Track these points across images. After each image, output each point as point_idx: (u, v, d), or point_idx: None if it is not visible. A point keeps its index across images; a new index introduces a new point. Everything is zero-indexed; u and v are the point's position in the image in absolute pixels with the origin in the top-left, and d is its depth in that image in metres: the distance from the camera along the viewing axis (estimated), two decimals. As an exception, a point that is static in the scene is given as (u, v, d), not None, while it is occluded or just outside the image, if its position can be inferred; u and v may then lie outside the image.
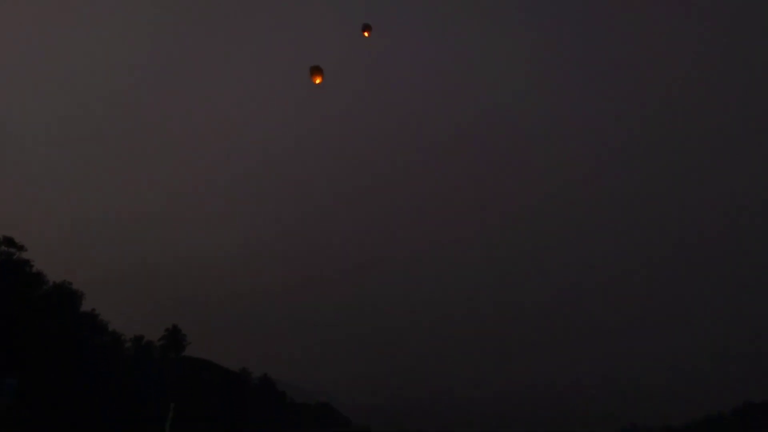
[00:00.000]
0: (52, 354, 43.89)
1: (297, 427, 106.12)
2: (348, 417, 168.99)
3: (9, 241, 45.63)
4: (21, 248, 45.69)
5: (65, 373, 46.73)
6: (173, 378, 70.81)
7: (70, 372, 47.23)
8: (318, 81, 30.40)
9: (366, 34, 34.13)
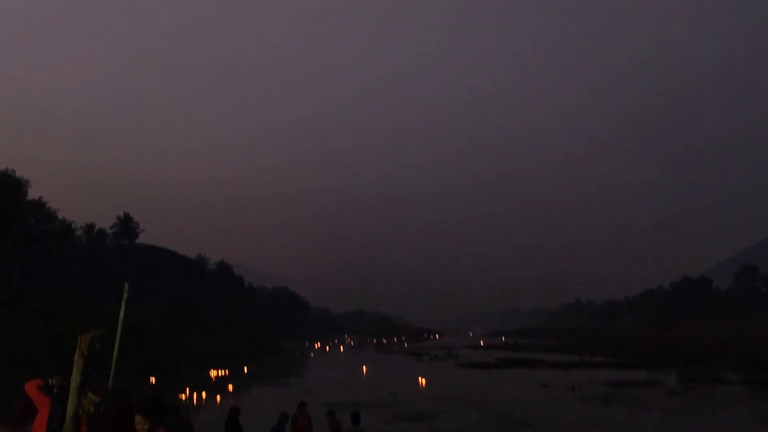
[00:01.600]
0: (-2, 242, 43.04)
1: (255, 309, 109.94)
2: (306, 300, 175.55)
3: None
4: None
5: (13, 261, 46.23)
6: (127, 265, 71.17)
7: (18, 260, 46.74)
8: None
9: None
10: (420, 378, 33.77)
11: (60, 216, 57.98)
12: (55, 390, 4.08)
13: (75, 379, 3.79)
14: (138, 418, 3.54)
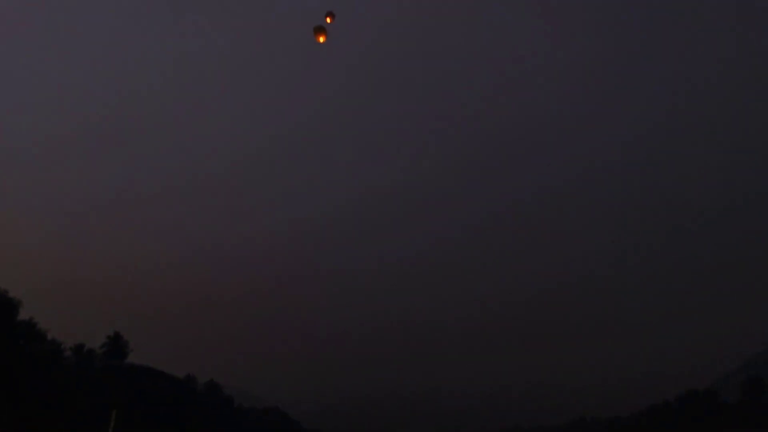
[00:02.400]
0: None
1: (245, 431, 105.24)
2: (298, 421, 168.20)
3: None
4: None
5: (2, 383, 45.37)
6: (116, 386, 69.35)
7: (7, 382, 45.86)
8: (322, 40, 28.42)
9: (328, 20, 31.16)
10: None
11: (50, 336, 57.74)
12: None
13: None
14: None
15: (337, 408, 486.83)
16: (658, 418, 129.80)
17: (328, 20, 30.35)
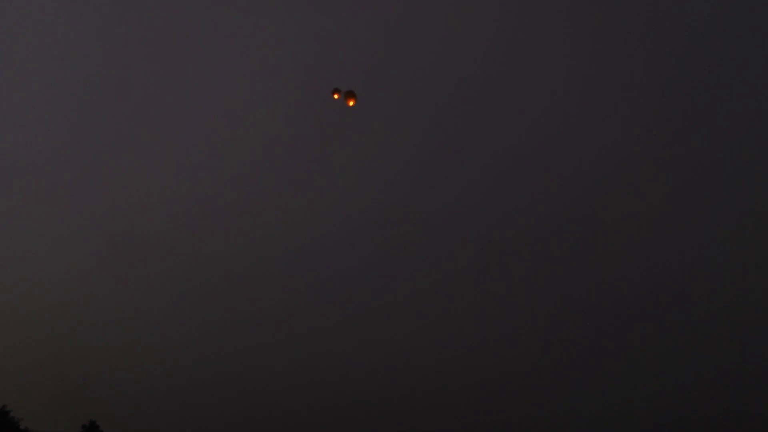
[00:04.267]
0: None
1: None
2: None
3: None
4: None
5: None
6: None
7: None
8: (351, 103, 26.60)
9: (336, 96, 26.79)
10: None
11: (22, 426, 50.41)
12: None
13: None
14: None
15: None
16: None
17: (336, 96, 25.76)
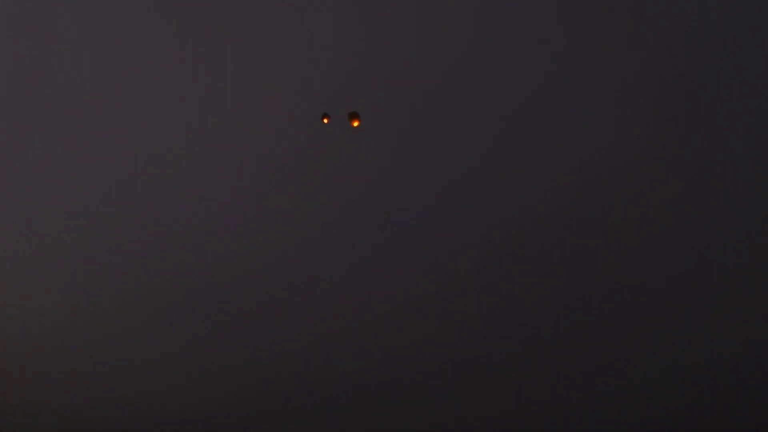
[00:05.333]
0: None
1: None
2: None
3: None
4: None
5: None
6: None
7: None
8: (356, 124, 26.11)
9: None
10: None
11: None
12: None
13: None
14: None
15: None
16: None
17: (326, 121, 22.96)
